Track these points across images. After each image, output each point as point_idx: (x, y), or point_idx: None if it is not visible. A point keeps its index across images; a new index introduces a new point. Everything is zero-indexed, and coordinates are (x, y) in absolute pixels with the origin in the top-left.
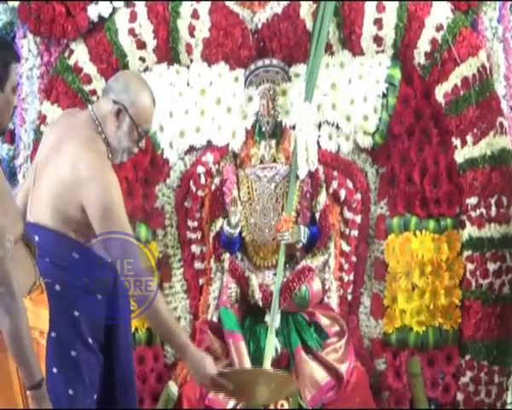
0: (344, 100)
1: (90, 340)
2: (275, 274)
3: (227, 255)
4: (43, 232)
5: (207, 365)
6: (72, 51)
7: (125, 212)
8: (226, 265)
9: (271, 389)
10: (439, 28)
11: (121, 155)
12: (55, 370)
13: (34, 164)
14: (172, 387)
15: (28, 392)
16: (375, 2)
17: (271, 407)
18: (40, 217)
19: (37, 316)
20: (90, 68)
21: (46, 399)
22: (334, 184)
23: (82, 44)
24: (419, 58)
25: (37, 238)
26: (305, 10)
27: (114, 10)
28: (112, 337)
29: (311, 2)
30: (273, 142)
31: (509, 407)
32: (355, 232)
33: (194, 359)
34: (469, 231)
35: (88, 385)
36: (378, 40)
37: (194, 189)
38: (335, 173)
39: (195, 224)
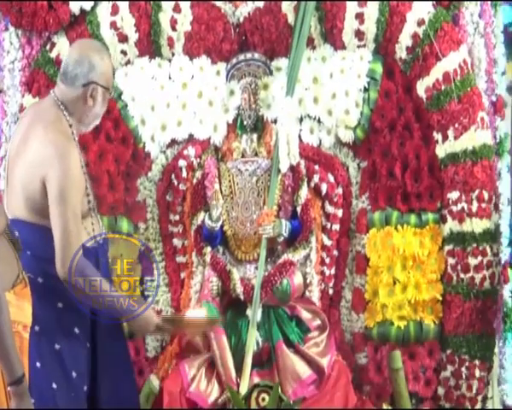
0: (325, 94)
1: (76, 330)
2: (256, 268)
3: (208, 249)
4: (21, 226)
5: (154, 315)
6: (53, 44)
7: (78, 198)
8: (208, 258)
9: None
10: (420, 23)
11: (95, 122)
12: (38, 364)
13: (5, 163)
14: (154, 381)
15: (9, 388)
16: None
17: (252, 403)
18: (17, 212)
19: (21, 310)
20: None
21: (27, 395)
22: (316, 178)
23: (64, 37)
24: (400, 53)
25: (17, 233)
26: (287, 4)
27: (96, 3)
28: (95, 326)
29: None
30: (255, 136)
31: (489, 401)
32: (336, 226)
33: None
34: (450, 225)
35: (75, 379)
36: (359, 34)
37: (175, 182)
38: (317, 167)
39: (177, 217)
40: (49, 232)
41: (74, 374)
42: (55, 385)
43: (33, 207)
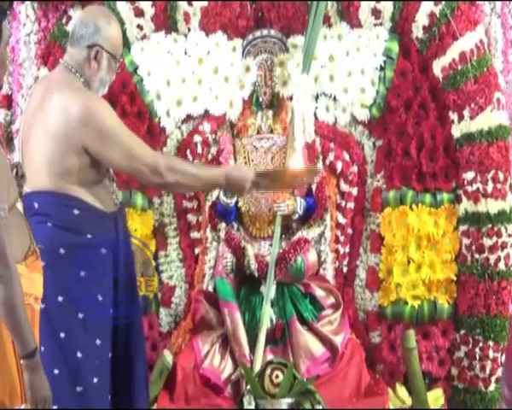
0: (341, 72)
1: (99, 297)
2: (271, 245)
3: (223, 225)
4: (41, 198)
5: (246, 171)
6: (69, 17)
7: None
8: (222, 234)
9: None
10: (437, 2)
11: (102, 90)
12: (62, 335)
13: (19, 140)
14: (167, 356)
15: (22, 361)
16: None
17: (266, 380)
18: (36, 183)
19: (32, 282)
20: None
21: (39, 368)
22: (331, 156)
23: (80, 11)
24: (417, 32)
25: (36, 205)
26: None
27: None
28: (116, 294)
29: None
30: (270, 112)
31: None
32: (351, 205)
33: (234, 175)
34: (465, 205)
35: (99, 346)
36: (376, 13)
37: (190, 158)
38: (332, 145)
39: (191, 193)
40: (70, 199)
41: (98, 341)
42: (80, 354)
43: (61, 171)
